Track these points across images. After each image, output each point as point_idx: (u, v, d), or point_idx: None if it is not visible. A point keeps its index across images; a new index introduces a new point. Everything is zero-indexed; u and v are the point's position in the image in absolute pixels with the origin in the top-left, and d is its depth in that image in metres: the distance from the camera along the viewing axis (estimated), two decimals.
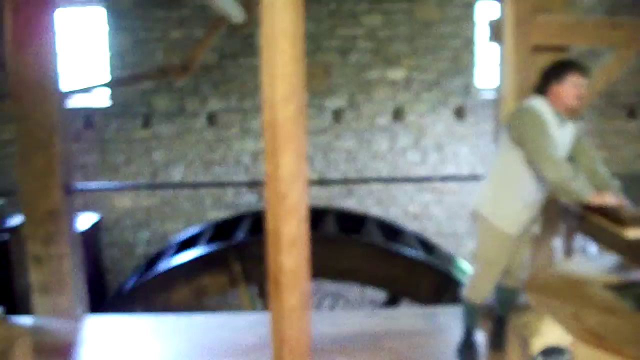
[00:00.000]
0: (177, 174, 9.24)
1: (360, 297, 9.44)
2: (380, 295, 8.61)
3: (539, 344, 1.50)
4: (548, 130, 3.49)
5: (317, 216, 7.78)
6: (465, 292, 3.94)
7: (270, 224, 2.86)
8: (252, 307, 7.37)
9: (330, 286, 9.33)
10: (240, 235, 7.24)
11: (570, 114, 3.63)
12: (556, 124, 3.57)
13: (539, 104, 3.59)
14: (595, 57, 7.70)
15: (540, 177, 3.55)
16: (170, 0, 8.89)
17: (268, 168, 2.80)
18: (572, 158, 3.79)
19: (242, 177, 9.22)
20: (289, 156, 2.74)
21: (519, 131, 3.53)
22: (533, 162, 3.52)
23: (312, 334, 4.34)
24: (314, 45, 8.91)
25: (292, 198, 2.78)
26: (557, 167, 3.42)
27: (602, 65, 4.48)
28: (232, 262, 6.73)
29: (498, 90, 4.40)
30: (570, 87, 3.55)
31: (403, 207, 9.34)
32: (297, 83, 2.74)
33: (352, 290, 9.39)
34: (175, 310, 5.91)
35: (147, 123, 9.15)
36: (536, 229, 3.93)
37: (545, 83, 3.64)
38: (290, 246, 2.83)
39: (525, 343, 1.51)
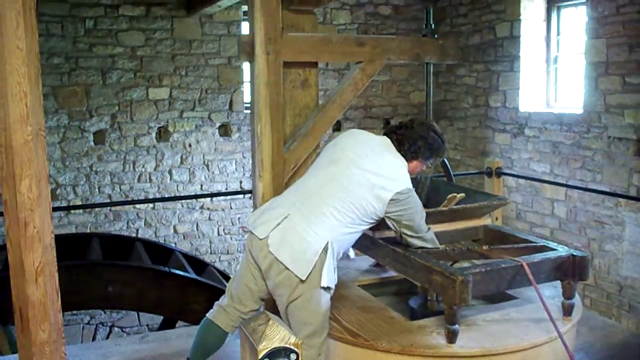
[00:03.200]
0: None
1: (137, 324, 9.14)
2: (157, 320, 8.38)
3: (264, 347, 1.56)
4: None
5: (81, 243, 7.39)
6: None
7: (12, 254, 2.66)
8: (13, 350, 6.77)
9: (104, 316, 8.92)
10: None
11: None
12: None
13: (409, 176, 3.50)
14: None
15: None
16: None
17: (6, 195, 2.60)
18: None
19: None
20: (28, 181, 2.57)
21: (403, 215, 3.35)
22: (411, 236, 3.42)
23: None
24: (71, 65, 8.49)
25: (34, 225, 2.61)
26: (429, 242, 3.46)
27: (349, 78, 4.82)
28: None
29: (252, 106, 4.50)
30: (424, 166, 3.63)
31: (173, 228, 9.20)
32: (35, 104, 2.58)
33: (128, 319, 9.06)
34: None
35: None
36: None
37: (414, 153, 3.54)
38: (35, 276, 2.65)
39: (254, 348, 1.57)
